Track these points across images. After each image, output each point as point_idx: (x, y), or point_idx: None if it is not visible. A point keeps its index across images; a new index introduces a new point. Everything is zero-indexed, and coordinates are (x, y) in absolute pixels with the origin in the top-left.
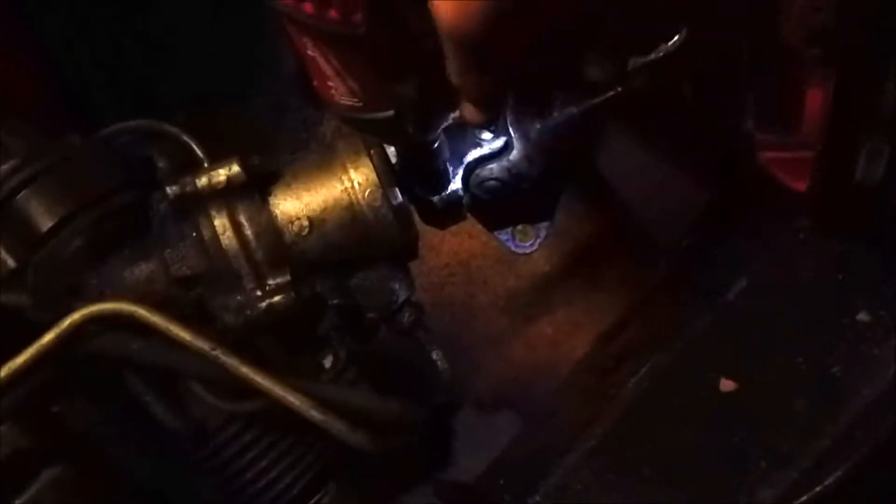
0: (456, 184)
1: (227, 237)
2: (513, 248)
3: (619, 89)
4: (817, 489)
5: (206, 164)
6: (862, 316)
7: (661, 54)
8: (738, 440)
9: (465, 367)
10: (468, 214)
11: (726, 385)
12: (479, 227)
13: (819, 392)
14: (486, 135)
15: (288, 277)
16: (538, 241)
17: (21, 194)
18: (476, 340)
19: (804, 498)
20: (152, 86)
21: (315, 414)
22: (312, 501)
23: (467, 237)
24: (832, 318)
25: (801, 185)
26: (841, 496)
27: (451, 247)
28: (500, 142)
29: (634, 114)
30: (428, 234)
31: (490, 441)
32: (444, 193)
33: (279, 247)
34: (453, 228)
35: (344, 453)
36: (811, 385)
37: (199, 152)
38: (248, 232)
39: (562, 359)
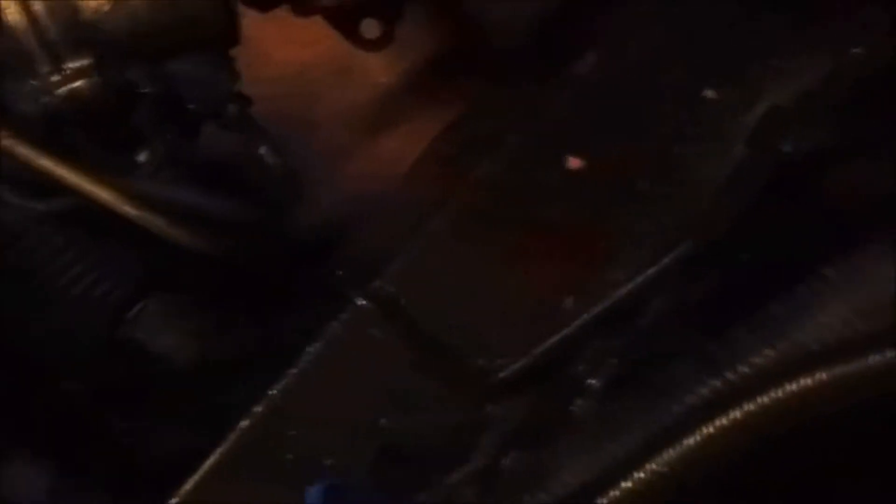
0: None
1: (11, 12)
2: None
3: None
4: (665, 261)
5: None
6: (709, 93)
7: None
8: (586, 220)
9: (307, 182)
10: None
11: (574, 163)
12: (314, 35)
13: (664, 170)
14: None
15: (90, 60)
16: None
17: None
18: (315, 155)
19: (651, 271)
20: None
21: (129, 209)
22: (134, 310)
23: (300, 46)
24: (679, 95)
25: None
26: (693, 269)
27: (283, 57)
28: None
29: None
30: (256, 42)
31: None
32: None
33: (77, 25)
34: (286, 37)
35: (169, 260)
36: (657, 162)
37: None
38: (37, 7)
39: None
